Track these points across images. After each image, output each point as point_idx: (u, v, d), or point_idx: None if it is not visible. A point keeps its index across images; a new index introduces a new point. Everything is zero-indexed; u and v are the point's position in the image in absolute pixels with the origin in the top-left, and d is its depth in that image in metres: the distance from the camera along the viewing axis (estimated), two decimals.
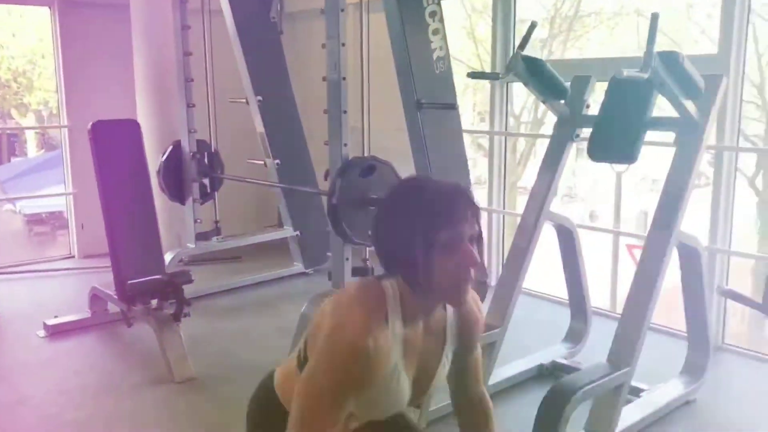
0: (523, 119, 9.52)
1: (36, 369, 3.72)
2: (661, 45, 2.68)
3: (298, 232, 5.30)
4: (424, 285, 1.34)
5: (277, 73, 5.23)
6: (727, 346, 3.86)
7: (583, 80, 3.45)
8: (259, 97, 5.05)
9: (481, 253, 1.38)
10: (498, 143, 4.90)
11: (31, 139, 10.95)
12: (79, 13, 5.57)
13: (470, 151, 4.66)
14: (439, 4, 4.03)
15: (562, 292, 4.21)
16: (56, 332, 4.16)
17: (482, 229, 1.40)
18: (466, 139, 4.96)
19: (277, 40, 5.28)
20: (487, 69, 5.12)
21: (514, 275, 3.29)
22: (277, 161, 5.10)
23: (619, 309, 3.14)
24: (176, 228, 5.34)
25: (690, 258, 3.11)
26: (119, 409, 3.28)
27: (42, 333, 4.16)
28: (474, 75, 3.27)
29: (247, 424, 1.68)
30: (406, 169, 3.74)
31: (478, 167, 6.55)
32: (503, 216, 5.07)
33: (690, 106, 2.94)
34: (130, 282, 3.62)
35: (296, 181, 5.12)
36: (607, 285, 9.36)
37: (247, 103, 5.10)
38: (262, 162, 5.15)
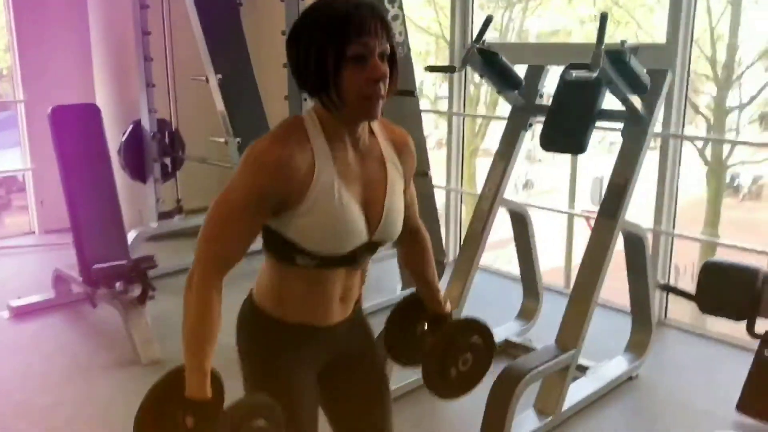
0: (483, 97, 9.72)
1: (1, 352, 3.77)
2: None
3: None
4: (335, 101, 1.35)
5: (237, 52, 5.21)
6: (669, 321, 4.08)
7: (537, 70, 3.57)
8: (219, 75, 5.04)
9: (394, 75, 1.38)
10: (456, 124, 5.01)
11: None
12: None
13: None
14: None
15: (513, 268, 4.40)
16: (20, 313, 4.20)
17: (395, 50, 1.39)
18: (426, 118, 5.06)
19: (238, 18, 5.25)
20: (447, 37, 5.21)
21: (469, 260, 3.44)
22: (239, 140, 5.12)
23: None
24: (138, 205, 5.37)
25: (634, 245, 3.29)
26: (87, 393, 3.36)
27: (6, 314, 4.20)
28: (432, 69, 3.35)
29: (243, 357, 1.61)
30: None
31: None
32: (461, 195, 5.21)
33: (636, 100, 3.08)
34: (94, 267, 3.67)
35: None
36: (562, 260, 9.69)
37: (207, 81, 5.09)
38: (224, 140, 5.17)
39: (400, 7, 4.00)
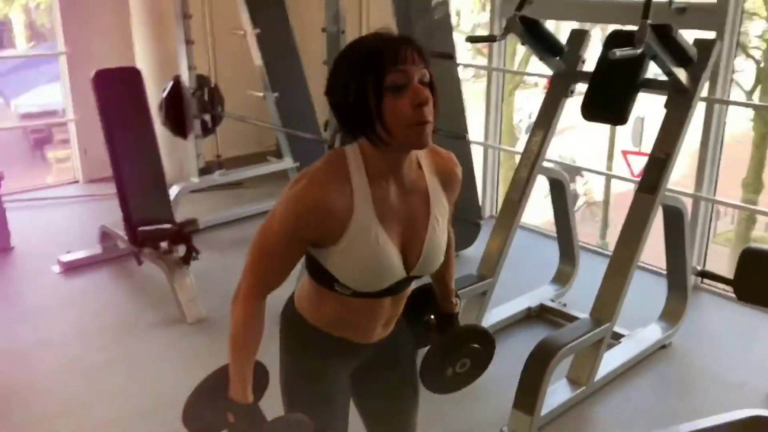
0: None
1: (54, 309, 3.95)
2: None
3: (297, 164, 5.42)
4: (381, 134, 1.34)
5: (275, 7, 5.19)
6: (704, 285, 4.08)
7: (580, 35, 3.51)
8: (258, 30, 5.04)
9: (436, 102, 1.36)
10: (495, 80, 4.94)
11: (19, 30, 10.68)
12: None
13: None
14: None
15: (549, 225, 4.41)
16: (69, 268, 4.37)
17: (433, 78, 1.37)
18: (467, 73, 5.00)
19: None
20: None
21: (506, 228, 3.46)
22: (276, 94, 5.15)
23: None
24: (178, 160, 5.47)
25: (674, 217, 3.28)
26: (137, 351, 3.53)
27: (57, 269, 4.37)
28: (472, 39, 3.30)
29: (282, 352, 1.69)
30: None
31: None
32: (498, 152, 5.19)
33: (681, 71, 3.02)
34: (140, 229, 3.78)
35: (295, 114, 5.19)
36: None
37: (245, 36, 5.09)
38: (262, 95, 5.20)
39: None
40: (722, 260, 7.68)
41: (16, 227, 4.80)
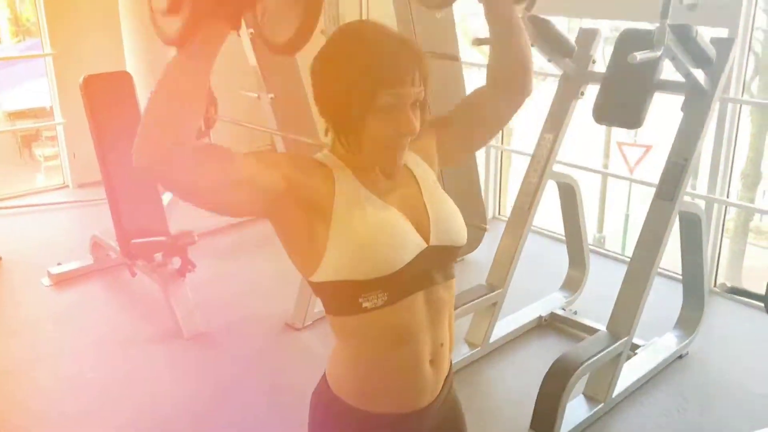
0: None
1: (45, 324, 3.78)
2: None
3: None
4: (352, 145, 1.23)
5: None
6: (718, 290, 3.96)
7: (590, 33, 3.37)
8: (251, 30, 4.86)
9: (423, 119, 1.26)
10: None
11: (4, 25, 10.44)
12: None
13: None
14: None
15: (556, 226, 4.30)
16: (61, 281, 4.21)
17: (427, 94, 1.24)
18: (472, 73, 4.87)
19: None
20: None
21: (516, 237, 3.33)
22: (271, 95, 4.98)
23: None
24: None
25: (691, 224, 3.15)
26: (134, 369, 3.38)
27: (47, 281, 4.21)
28: (479, 41, 3.15)
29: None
30: None
31: None
32: (501, 152, 5.05)
33: (698, 71, 2.89)
34: (133, 242, 3.63)
35: (290, 115, 5.03)
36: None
37: (239, 35, 4.92)
38: (257, 95, 5.03)
39: None
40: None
41: (4, 236, 4.65)
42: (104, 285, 4.23)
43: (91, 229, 4.38)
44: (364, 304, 1.25)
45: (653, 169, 6.15)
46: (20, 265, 4.46)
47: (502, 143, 5.00)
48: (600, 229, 10.32)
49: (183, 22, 1.07)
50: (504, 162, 5.26)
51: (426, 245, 1.29)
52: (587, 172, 5.11)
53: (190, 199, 1.17)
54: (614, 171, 8.85)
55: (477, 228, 4.29)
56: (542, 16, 3.04)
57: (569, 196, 3.59)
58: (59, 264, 4.29)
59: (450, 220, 1.35)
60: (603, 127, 9.35)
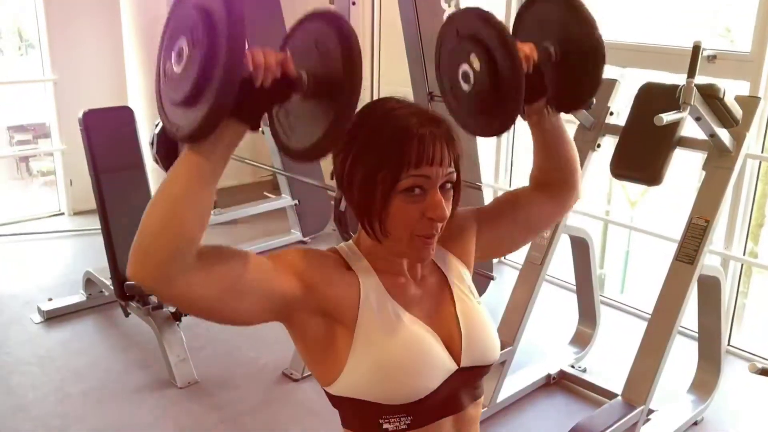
0: None
1: (32, 367, 3.61)
2: None
3: (296, 201, 5.16)
4: (377, 233, 1.12)
5: (274, 34, 4.92)
6: (735, 349, 3.82)
7: (608, 84, 3.26)
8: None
9: (456, 203, 1.15)
10: None
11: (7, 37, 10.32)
12: None
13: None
14: None
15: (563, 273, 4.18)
16: (51, 317, 4.06)
17: (460, 175, 1.14)
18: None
19: (277, 3, 4.95)
20: None
21: (527, 293, 3.21)
22: None
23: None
24: None
25: (710, 286, 3.02)
26: (122, 419, 3.22)
27: (37, 318, 4.06)
28: None
29: None
30: None
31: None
32: None
33: (723, 131, 2.78)
34: (127, 284, 3.49)
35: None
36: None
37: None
38: (262, 131, 4.93)
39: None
40: None
41: None
42: (96, 323, 4.08)
43: (85, 261, 4.25)
44: (385, 426, 1.13)
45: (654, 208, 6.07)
46: (10, 300, 4.29)
47: (510, 185, 4.88)
48: (601, 265, 10.17)
49: (201, 119, 0.94)
50: None
51: (456, 367, 1.17)
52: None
53: (195, 313, 1.04)
54: (618, 215, 8.69)
55: (483, 276, 4.17)
56: None
57: (582, 251, 3.46)
58: (50, 300, 4.15)
59: (484, 337, 1.22)
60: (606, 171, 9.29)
